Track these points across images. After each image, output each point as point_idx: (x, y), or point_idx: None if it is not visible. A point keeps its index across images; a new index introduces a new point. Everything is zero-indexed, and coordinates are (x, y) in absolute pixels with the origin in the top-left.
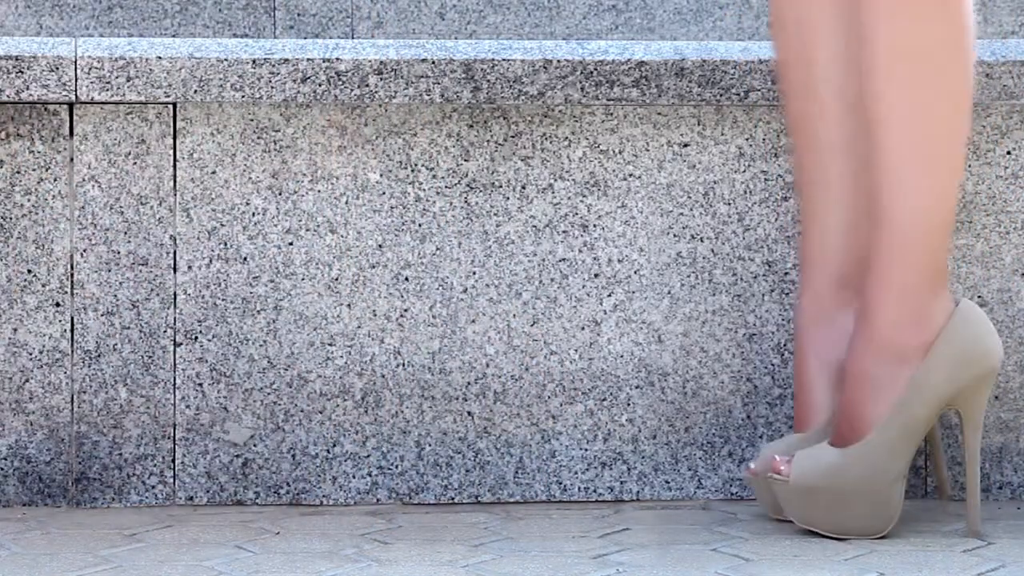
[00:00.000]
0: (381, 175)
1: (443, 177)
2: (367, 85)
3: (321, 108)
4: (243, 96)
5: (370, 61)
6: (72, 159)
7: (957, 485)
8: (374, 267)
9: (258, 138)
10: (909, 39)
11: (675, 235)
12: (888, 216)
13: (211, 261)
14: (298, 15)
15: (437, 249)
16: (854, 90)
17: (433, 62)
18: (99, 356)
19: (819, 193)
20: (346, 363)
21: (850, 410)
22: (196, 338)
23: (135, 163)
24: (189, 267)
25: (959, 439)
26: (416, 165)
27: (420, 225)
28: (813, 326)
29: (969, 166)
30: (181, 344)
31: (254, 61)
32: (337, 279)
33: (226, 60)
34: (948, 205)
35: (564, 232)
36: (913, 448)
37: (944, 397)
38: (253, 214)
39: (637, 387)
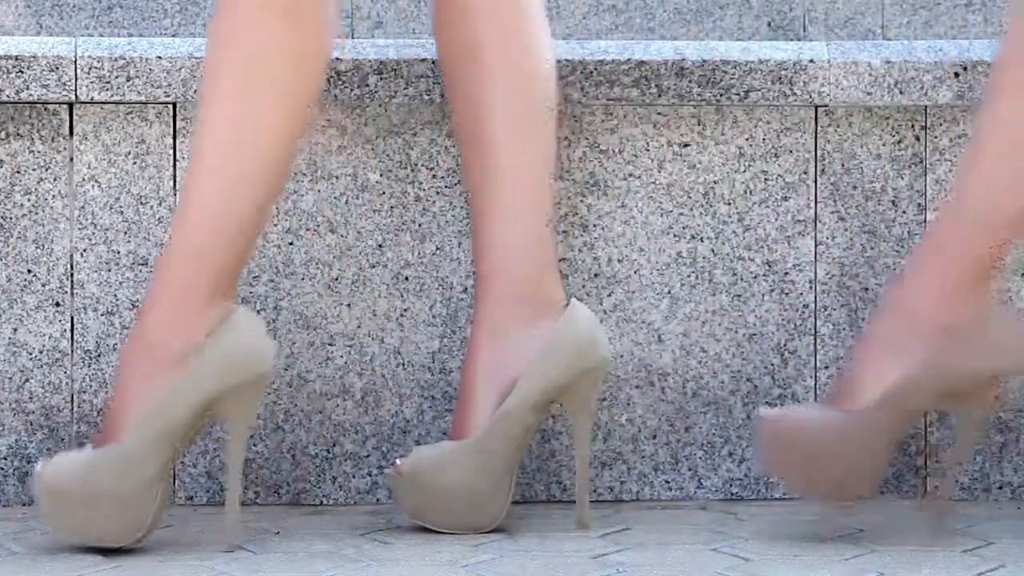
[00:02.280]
0: (381, 175)
1: (443, 177)
2: (367, 85)
3: (321, 108)
4: None
5: (370, 61)
6: (72, 159)
7: (957, 485)
8: (374, 267)
9: None
10: None
11: (675, 235)
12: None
13: None
14: None
15: (437, 249)
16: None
17: (433, 62)
18: (99, 356)
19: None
20: (346, 363)
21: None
22: None
23: (135, 163)
24: None
25: (954, 438)
26: (416, 165)
27: (420, 225)
28: (489, 339)
29: None
30: None
31: None
32: (337, 279)
33: None
34: None
35: (564, 232)
36: (169, 450)
37: (206, 399)
38: None
39: (637, 387)
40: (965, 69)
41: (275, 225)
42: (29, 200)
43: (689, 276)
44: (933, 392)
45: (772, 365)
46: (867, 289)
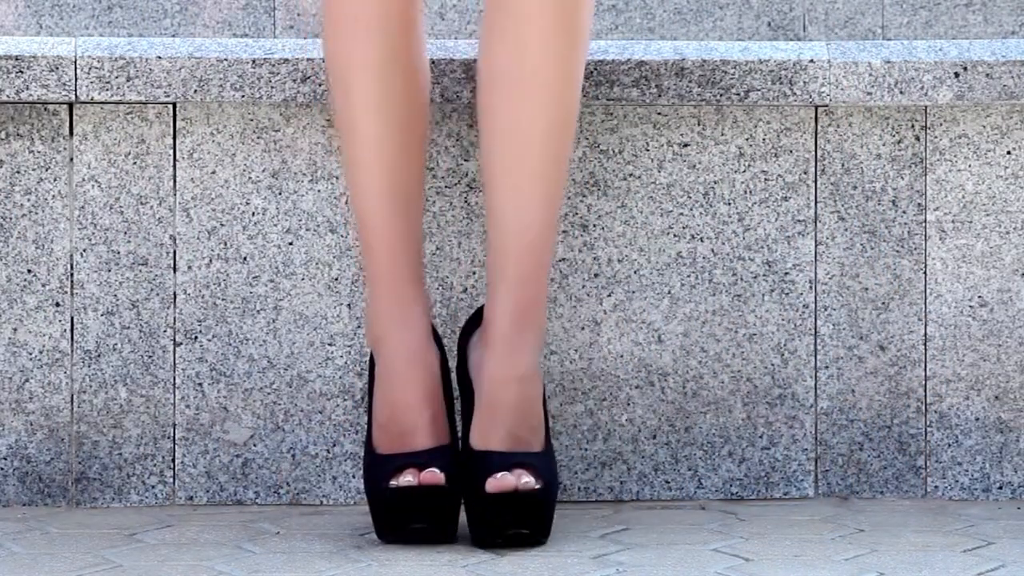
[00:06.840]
0: None
1: (443, 177)
2: None
3: (321, 108)
4: (243, 96)
5: None
6: (72, 159)
7: (957, 485)
8: None
9: (258, 138)
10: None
11: (675, 235)
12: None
13: (211, 261)
14: (298, 15)
15: (437, 249)
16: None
17: (433, 62)
18: (99, 356)
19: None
20: (346, 363)
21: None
22: (196, 338)
23: (135, 163)
24: (189, 267)
25: (957, 440)
26: None
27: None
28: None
29: (969, 166)
30: (181, 344)
31: (254, 61)
32: (337, 279)
33: (226, 60)
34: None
35: (564, 232)
36: None
37: None
38: (253, 214)
39: (637, 387)
40: (965, 69)
41: (275, 225)
42: (29, 200)
43: (689, 276)
44: None
45: (772, 365)
46: (867, 289)
